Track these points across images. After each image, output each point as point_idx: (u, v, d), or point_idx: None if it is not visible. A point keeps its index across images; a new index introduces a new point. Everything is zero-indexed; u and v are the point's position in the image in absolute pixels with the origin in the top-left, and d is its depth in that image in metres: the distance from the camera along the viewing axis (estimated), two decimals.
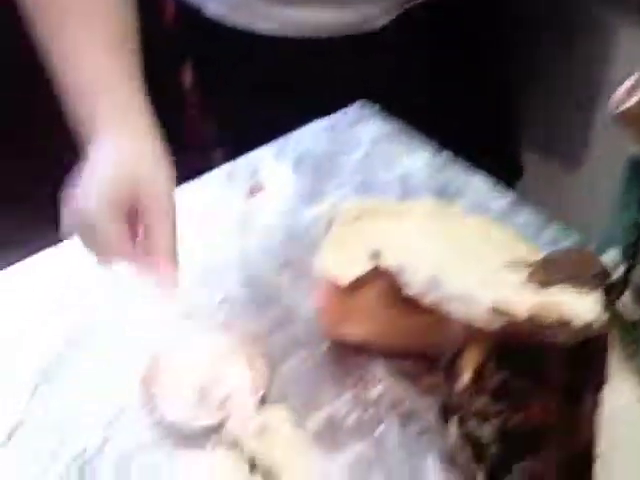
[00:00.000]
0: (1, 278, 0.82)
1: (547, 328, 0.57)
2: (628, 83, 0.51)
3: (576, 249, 0.62)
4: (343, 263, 0.69)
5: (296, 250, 0.83)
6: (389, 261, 0.66)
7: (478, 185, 0.91)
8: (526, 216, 0.86)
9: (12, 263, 0.83)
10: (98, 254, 0.71)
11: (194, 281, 0.79)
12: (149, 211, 0.69)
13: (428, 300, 0.62)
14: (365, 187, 0.91)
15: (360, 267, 0.68)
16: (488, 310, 0.59)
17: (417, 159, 0.94)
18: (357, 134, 0.97)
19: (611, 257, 0.60)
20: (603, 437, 0.62)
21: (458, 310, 0.61)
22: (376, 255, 0.67)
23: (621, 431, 0.62)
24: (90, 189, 0.69)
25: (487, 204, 0.88)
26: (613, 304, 0.59)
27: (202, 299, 0.79)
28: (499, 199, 0.89)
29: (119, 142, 0.71)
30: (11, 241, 1.07)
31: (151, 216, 0.69)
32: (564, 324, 0.57)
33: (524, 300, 0.58)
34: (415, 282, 0.63)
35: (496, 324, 0.58)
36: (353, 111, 1.00)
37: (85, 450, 0.67)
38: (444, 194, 0.90)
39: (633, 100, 0.50)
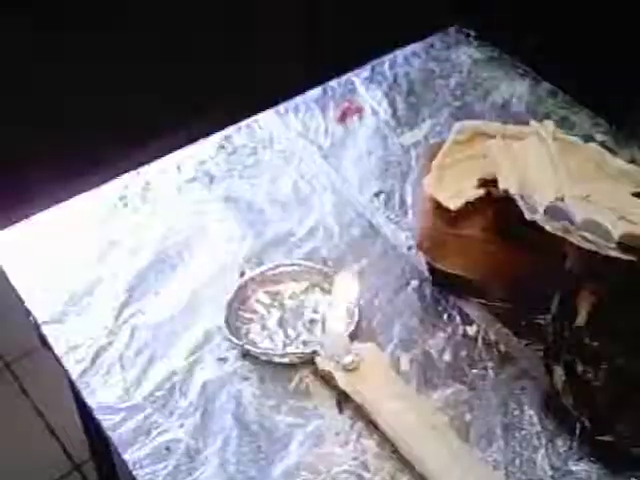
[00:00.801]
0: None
1: None
2: None
3: None
4: (451, 188, 0.65)
5: (390, 178, 0.80)
6: (505, 187, 0.62)
7: (581, 117, 0.86)
8: (631, 152, 0.82)
9: None
10: None
11: (286, 206, 0.77)
12: None
13: (551, 228, 0.57)
14: (462, 114, 0.86)
15: (470, 193, 0.64)
16: (619, 240, 0.54)
17: (516, 87, 0.89)
18: (453, 59, 0.92)
19: None
20: None
21: (585, 240, 0.56)
22: (489, 181, 0.63)
23: None
24: None
25: (592, 137, 0.83)
26: None
27: (293, 225, 0.76)
28: (604, 134, 0.84)
29: None
30: None
31: None
32: None
33: None
34: (536, 209, 0.59)
35: (626, 255, 0.54)
36: (449, 35, 0.95)
37: (173, 374, 0.65)
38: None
39: None
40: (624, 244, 0.54)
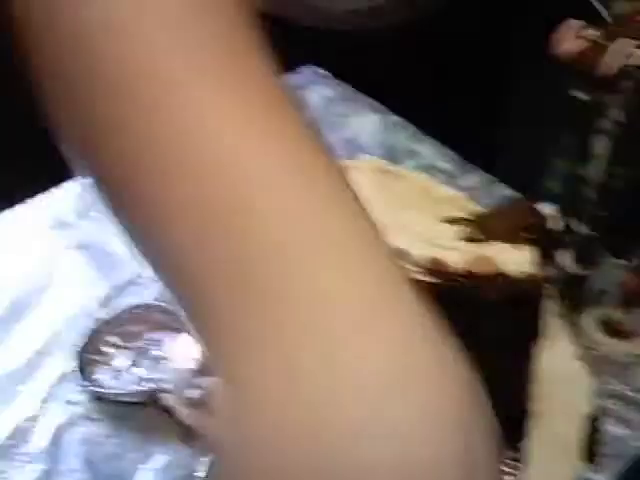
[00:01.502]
0: None
1: (481, 282, 0.56)
2: (567, 24, 0.50)
3: (515, 202, 0.61)
4: None
5: None
6: None
7: (426, 148, 0.90)
8: (474, 178, 0.86)
9: None
10: None
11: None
12: None
13: None
14: None
15: None
16: (424, 265, 0.58)
17: (366, 121, 0.93)
18: (306, 98, 0.96)
19: (549, 209, 0.59)
20: (538, 394, 0.61)
21: None
22: None
23: (556, 388, 0.62)
24: None
25: (435, 166, 0.88)
26: (550, 257, 0.59)
27: (143, 267, 0.77)
28: (447, 162, 0.88)
29: None
30: None
31: None
32: (498, 278, 0.56)
33: (460, 255, 0.57)
34: None
35: (431, 279, 0.57)
36: (302, 75, 0.99)
37: (23, 421, 0.67)
38: (392, 156, 0.89)
39: (578, 41, 0.49)
40: (431, 269, 0.58)
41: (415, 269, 0.58)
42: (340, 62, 0.98)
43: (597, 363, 0.68)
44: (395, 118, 0.93)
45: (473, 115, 1.01)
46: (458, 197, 0.70)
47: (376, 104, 0.95)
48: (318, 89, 0.97)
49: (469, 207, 0.69)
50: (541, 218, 0.56)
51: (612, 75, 0.47)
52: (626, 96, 0.48)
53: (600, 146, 0.59)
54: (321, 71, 0.99)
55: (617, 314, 0.71)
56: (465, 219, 0.61)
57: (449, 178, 0.87)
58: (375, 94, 0.95)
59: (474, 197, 0.81)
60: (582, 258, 0.67)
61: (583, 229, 0.66)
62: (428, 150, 0.90)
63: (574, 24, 0.48)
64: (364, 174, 0.66)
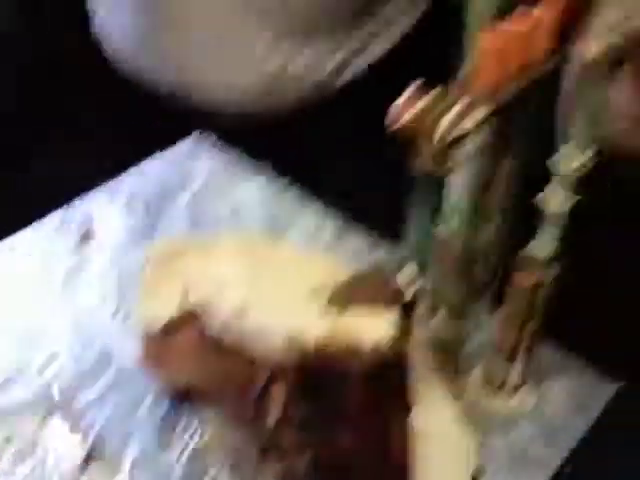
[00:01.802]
0: None
1: (339, 355, 0.56)
2: (405, 96, 0.50)
3: (373, 269, 0.62)
4: (156, 307, 0.68)
5: (128, 295, 0.81)
6: (194, 300, 0.65)
7: (309, 214, 0.91)
8: (356, 240, 0.87)
9: None
10: None
11: (23, 339, 0.77)
12: None
13: (228, 339, 0.61)
14: (198, 222, 0.89)
15: (171, 310, 0.67)
16: (283, 342, 0.58)
17: (250, 189, 0.94)
18: (192, 167, 0.96)
19: (408, 273, 0.60)
20: (417, 458, 0.61)
21: (255, 345, 0.60)
22: (185, 296, 0.66)
23: (436, 450, 0.62)
24: None
25: (318, 232, 0.89)
26: (410, 322, 0.59)
27: (30, 357, 0.76)
28: (330, 226, 0.89)
29: None
30: None
31: None
32: (356, 350, 0.56)
33: (319, 328, 0.58)
34: (218, 320, 0.62)
35: (291, 356, 0.58)
36: (188, 144, 0.99)
37: None
38: (276, 224, 0.90)
39: (409, 114, 0.50)
40: (291, 341, 0.58)
41: (275, 348, 0.58)
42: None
43: (479, 420, 0.69)
44: (281, 183, 0.94)
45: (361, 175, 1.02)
46: (331, 265, 0.71)
47: (263, 169, 0.95)
48: (206, 156, 0.97)
49: (341, 275, 0.70)
50: (397, 283, 0.57)
51: (446, 145, 0.48)
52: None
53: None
54: (209, 137, 0.99)
55: (497, 368, 0.71)
56: (329, 289, 0.61)
57: (333, 241, 0.88)
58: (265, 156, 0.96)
59: (357, 260, 0.82)
60: (453, 316, 0.67)
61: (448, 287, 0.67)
62: (313, 215, 0.91)
63: (406, 96, 0.49)
64: (232, 251, 0.66)
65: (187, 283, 0.66)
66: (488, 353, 0.71)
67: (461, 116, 0.49)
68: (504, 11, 0.55)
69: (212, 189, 0.94)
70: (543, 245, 0.65)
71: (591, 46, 0.54)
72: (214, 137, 0.98)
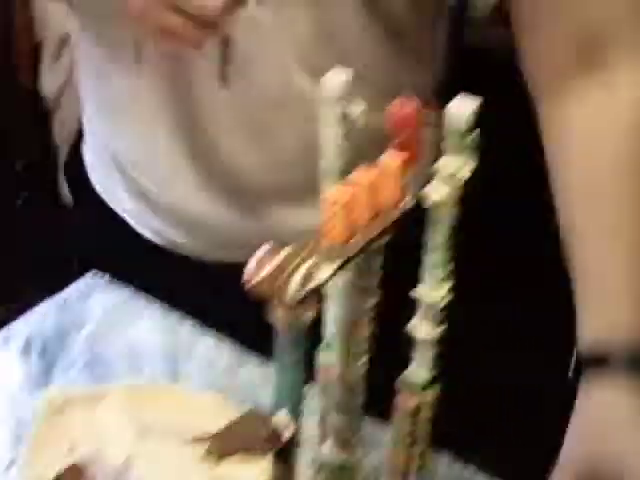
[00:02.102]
0: None
1: None
2: (258, 255, 0.53)
3: (251, 413, 0.63)
4: (43, 464, 0.68)
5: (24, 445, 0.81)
6: (81, 457, 0.65)
7: (206, 344, 0.92)
8: (252, 369, 0.88)
9: None
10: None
11: None
12: None
13: None
14: (95, 363, 0.90)
15: (58, 467, 0.67)
16: None
17: (146, 325, 0.95)
18: (87, 307, 0.97)
19: (282, 417, 0.61)
20: None
21: None
22: (71, 452, 0.67)
23: None
24: None
25: (214, 361, 0.90)
26: (287, 467, 0.60)
27: None
28: (225, 354, 0.91)
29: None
30: None
31: None
32: None
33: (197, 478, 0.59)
34: (102, 477, 0.63)
35: None
36: (83, 283, 1.00)
37: None
38: (174, 357, 0.91)
39: (263, 273, 0.52)
40: None
41: None
42: None
43: None
44: (175, 316, 0.95)
45: None
46: (217, 408, 0.72)
47: (157, 305, 0.97)
48: (100, 296, 0.98)
49: (224, 418, 0.71)
50: (272, 427, 0.58)
51: (299, 301, 0.51)
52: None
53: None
54: (104, 277, 1.00)
55: None
56: (207, 437, 0.62)
57: (226, 373, 0.89)
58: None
59: (252, 391, 0.84)
60: (340, 444, 0.69)
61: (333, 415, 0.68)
62: (208, 344, 0.92)
63: (259, 255, 0.52)
64: (115, 402, 0.67)
65: (73, 438, 0.67)
66: (383, 475, 0.73)
67: (313, 271, 0.52)
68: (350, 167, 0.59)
69: (107, 328, 0.95)
70: (419, 370, 0.68)
71: (434, 192, 0.58)
72: (108, 276, 1.00)
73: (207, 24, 0.71)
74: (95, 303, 0.98)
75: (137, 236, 1.03)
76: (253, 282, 0.52)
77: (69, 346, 0.92)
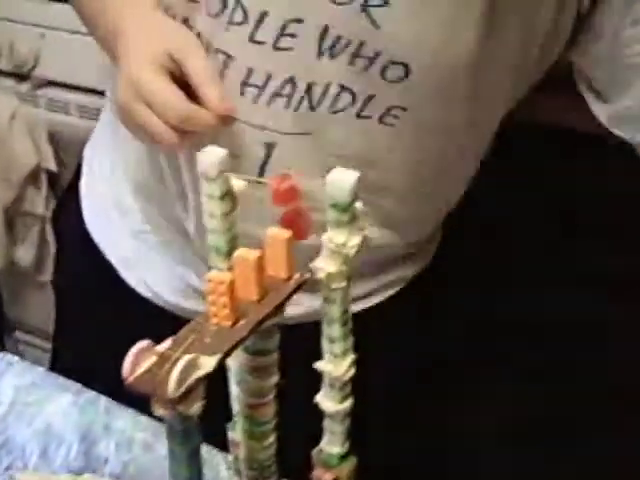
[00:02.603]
0: None
1: None
2: (133, 351, 0.50)
3: None
4: None
5: None
6: None
7: (123, 420, 0.89)
8: None
9: None
10: (154, 127, 0.72)
11: None
12: (194, 69, 0.73)
13: None
14: (6, 449, 0.86)
15: None
16: None
17: (60, 404, 0.91)
18: None
19: None
20: None
21: None
22: None
23: None
24: (137, 67, 0.73)
25: (132, 436, 0.87)
26: None
27: None
28: (143, 431, 0.88)
29: (145, 25, 0.77)
30: None
31: (197, 74, 0.72)
32: None
33: None
34: None
35: None
36: None
37: None
38: (89, 436, 0.87)
39: (141, 369, 0.49)
40: None
41: None
42: None
43: None
44: (90, 394, 0.92)
45: None
46: None
47: (70, 383, 0.93)
48: (9, 378, 0.94)
49: None
50: None
51: (179, 397, 0.48)
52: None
53: None
54: (12, 358, 0.96)
55: None
56: None
57: (146, 448, 0.86)
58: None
59: None
60: None
61: None
62: (125, 422, 0.89)
63: (135, 352, 0.49)
64: None
65: None
66: None
67: (194, 363, 0.49)
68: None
69: (20, 410, 0.91)
70: (332, 442, 0.66)
71: (323, 265, 0.56)
72: (18, 357, 0.96)
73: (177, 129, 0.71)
74: (5, 384, 0.94)
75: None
76: (130, 379, 0.49)
77: None
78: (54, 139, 1.69)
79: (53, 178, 1.74)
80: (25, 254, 1.85)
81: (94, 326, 1.02)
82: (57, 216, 1.13)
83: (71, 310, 1.09)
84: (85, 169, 1.04)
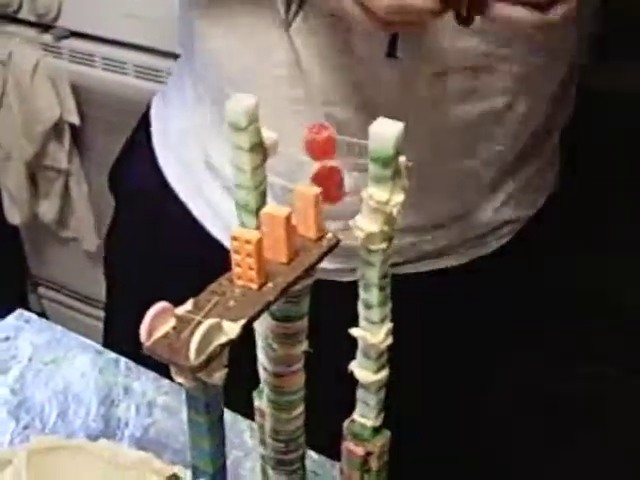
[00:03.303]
0: None
1: None
2: (151, 312, 0.46)
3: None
4: None
5: None
6: None
7: (143, 383, 0.86)
8: None
9: None
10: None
11: None
12: None
13: None
14: (24, 408, 0.83)
15: None
16: None
17: (79, 364, 0.88)
18: (14, 347, 0.90)
19: None
20: None
21: None
22: None
23: None
24: None
25: (153, 399, 0.84)
26: None
27: None
28: (165, 394, 0.84)
29: None
30: None
31: None
32: None
33: None
34: None
35: None
36: (9, 322, 0.93)
37: None
38: (109, 398, 0.84)
39: (159, 332, 0.45)
40: None
41: None
42: None
43: None
44: (110, 355, 0.88)
45: None
46: (144, 458, 0.66)
47: (89, 343, 0.90)
48: (26, 336, 0.91)
49: (155, 468, 0.65)
50: None
51: (200, 365, 0.44)
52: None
53: None
54: (30, 315, 0.93)
55: None
56: None
57: (167, 412, 0.83)
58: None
59: None
60: None
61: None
62: (145, 385, 0.85)
63: (157, 311, 0.45)
64: (30, 457, 0.60)
65: None
66: None
67: (213, 332, 0.45)
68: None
69: (37, 370, 0.87)
70: (365, 414, 0.61)
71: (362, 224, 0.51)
72: (33, 316, 0.93)
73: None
74: (22, 343, 0.90)
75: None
76: (148, 344, 0.45)
77: None
78: (77, 91, 1.64)
79: (75, 132, 1.70)
80: (48, 209, 1.82)
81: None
82: (117, 173, 1.06)
83: (135, 275, 1.02)
84: (157, 126, 0.98)
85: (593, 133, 0.89)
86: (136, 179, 0.99)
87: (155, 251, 0.96)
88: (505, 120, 0.80)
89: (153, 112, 0.99)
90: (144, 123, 0.99)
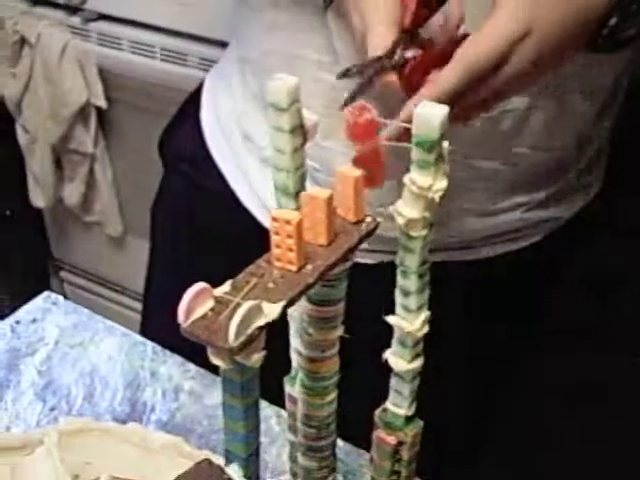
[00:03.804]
0: None
1: None
2: (190, 292, 0.45)
3: (205, 463, 0.56)
4: None
5: None
6: None
7: (169, 367, 0.85)
8: (219, 395, 0.81)
9: None
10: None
11: None
12: None
13: None
14: (51, 390, 0.83)
15: None
16: None
17: (105, 347, 0.87)
18: (39, 331, 0.90)
19: (235, 468, 0.54)
20: None
21: None
22: None
23: None
24: None
25: (179, 384, 0.83)
26: None
27: None
28: (191, 379, 0.84)
29: None
30: None
31: None
32: None
33: None
34: None
35: None
36: (36, 306, 0.92)
37: None
38: (135, 381, 0.84)
39: (197, 313, 0.44)
40: None
41: None
42: None
43: None
44: (136, 339, 0.88)
45: None
46: (173, 442, 0.65)
47: (116, 326, 0.89)
48: (53, 318, 0.91)
49: (185, 452, 0.64)
50: (228, 476, 0.51)
51: (239, 347, 0.43)
52: None
53: None
54: (57, 297, 0.93)
55: None
56: None
57: (194, 397, 0.82)
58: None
59: (216, 420, 0.77)
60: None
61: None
62: (171, 369, 0.85)
63: (198, 289, 0.44)
64: (49, 453, 0.60)
65: None
66: None
67: (253, 314, 0.44)
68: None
69: (64, 352, 0.87)
70: (398, 403, 0.61)
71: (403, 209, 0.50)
72: (60, 298, 0.92)
73: None
74: (49, 325, 0.90)
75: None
76: (185, 326, 0.44)
77: (24, 369, 0.85)
78: (104, 75, 1.64)
79: (101, 115, 1.70)
80: (72, 193, 1.82)
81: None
82: (166, 138, 1.06)
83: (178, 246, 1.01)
84: (208, 96, 0.98)
85: None
86: (182, 145, 0.99)
87: (193, 220, 0.96)
88: (530, 121, 0.78)
89: (206, 84, 0.99)
90: (197, 94, 0.99)
